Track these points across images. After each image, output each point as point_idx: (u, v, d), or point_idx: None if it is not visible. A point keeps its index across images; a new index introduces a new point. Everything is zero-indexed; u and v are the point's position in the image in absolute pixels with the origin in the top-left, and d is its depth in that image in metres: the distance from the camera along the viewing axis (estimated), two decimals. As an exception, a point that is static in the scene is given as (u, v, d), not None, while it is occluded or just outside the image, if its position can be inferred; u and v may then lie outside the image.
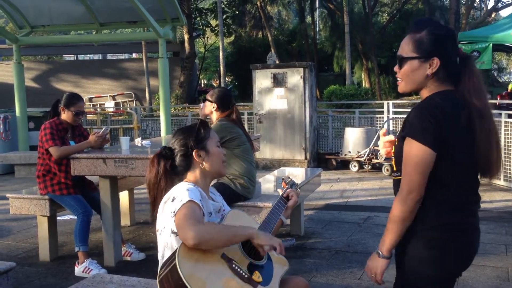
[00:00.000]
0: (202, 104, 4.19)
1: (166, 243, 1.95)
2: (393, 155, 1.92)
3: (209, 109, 4.04)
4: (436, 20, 1.97)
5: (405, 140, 1.77)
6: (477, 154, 1.79)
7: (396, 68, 1.89)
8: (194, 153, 2.10)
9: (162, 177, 2.07)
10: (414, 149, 1.73)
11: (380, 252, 1.84)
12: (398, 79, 1.90)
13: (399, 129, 8.22)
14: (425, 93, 1.86)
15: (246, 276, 1.83)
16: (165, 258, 1.93)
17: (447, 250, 1.79)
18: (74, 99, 4.21)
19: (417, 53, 1.81)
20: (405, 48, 1.84)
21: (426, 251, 1.79)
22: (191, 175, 2.11)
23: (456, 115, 1.76)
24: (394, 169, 1.91)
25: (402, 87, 1.89)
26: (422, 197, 1.76)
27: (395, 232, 1.80)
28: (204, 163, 2.11)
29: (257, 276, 1.86)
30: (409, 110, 1.86)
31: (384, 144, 2.10)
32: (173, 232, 1.91)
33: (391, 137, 2.10)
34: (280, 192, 2.32)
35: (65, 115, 4.20)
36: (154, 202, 2.07)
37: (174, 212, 1.87)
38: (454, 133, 1.75)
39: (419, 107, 1.79)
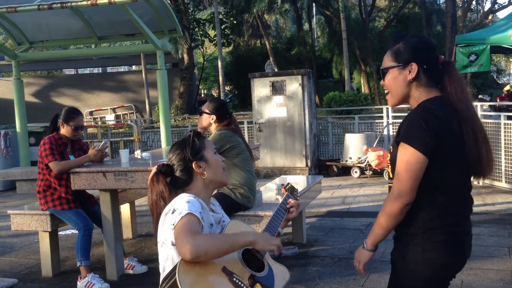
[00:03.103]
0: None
1: (167, 255, 1.94)
2: (389, 162, 1.95)
3: (208, 121, 4.04)
4: (412, 33, 2.09)
5: (399, 145, 1.82)
6: (469, 157, 1.85)
7: (382, 82, 2.00)
8: (193, 165, 2.08)
9: (164, 195, 2.04)
10: (407, 154, 1.79)
11: (364, 244, 1.96)
12: (385, 92, 2.01)
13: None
14: (413, 101, 1.93)
15: None
16: (166, 271, 1.92)
17: (440, 253, 1.83)
18: (73, 114, 4.23)
19: (396, 62, 1.92)
20: (386, 60, 1.97)
21: (420, 254, 1.84)
22: (193, 187, 2.09)
23: (449, 120, 1.81)
24: (390, 176, 1.93)
25: (389, 99, 2.00)
26: (411, 202, 1.81)
27: (380, 227, 1.89)
28: (205, 173, 2.09)
29: None
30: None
31: (374, 157, 2.18)
32: (173, 244, 1.89)
33: (380, 152, 2.18)
34: (280, 198, 2.31)
35: (64, 130, 4.22)
36: (158, 221, 2.04)
37: (173, 224, 1.85)
38: (447, 138, 1.80)
39: (412, 113, 1.85)
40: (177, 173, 2.10)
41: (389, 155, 1.97)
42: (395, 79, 1.93)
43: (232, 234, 1.91)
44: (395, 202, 1.81)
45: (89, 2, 7.22)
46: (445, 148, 1.79)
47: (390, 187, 1.95)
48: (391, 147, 1.96)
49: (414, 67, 1.88)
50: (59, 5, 7.36)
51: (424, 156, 1.77)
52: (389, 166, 1.95)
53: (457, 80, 1.88)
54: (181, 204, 1.90)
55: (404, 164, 1.79)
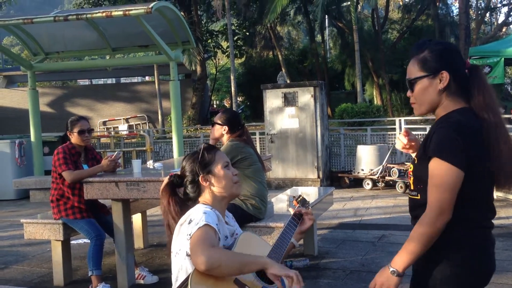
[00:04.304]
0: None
1: (181, 265, 1.94)
2: (411, 174, 1.90)
3: (220, 132, 4.05)
4: (434, 39, 2.01)
5: (432, 161, 1.75)
6: (498, 167, 1.78)
7: (409, 93, 1.91)
8: (200, 178, 2.09)
9: (174, 205, 2.07)
10: (443, 170, 1.71)
11: (395, 270, 1.77)
12: (412, 103, 1.91)
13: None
14: (441, 111, 1.86)
15: None
16: (179, 281, 1.92)
17: (470, 269, 1.78)
18: (75, 121, 4.32)
19: (425, 72, 1.83)
20: (412, 70, 1.87)
21: (448, 270, 1.78)
22: (205, 199, 2.10)
23: (479, 131, 1.76)
24: (412, 187, 1.89)
25: (417, 109, 1.90)
26: (450, 218, 1.73)
27: (416, 252, 1.75)
28: (212, 187, 2.09)
29: None
30: (423, 126, 1.87)
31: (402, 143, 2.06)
32: (187, 254, 1.89)
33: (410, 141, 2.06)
34: (292, 211, 2.30)
35: (73, 138, 4.27)
36: (169, 227, 2.08)
37: (190, 235, 1.85)
38: (478, 150, 1.74)
39: (443, 126, 1.77)
40: (187, 185, 2.12)
41: (411, 166, 1.91)
42: (425, 89, 1.84)
43: (248, 255, 1.88)
44: (436, 221, 1.72)
45: (104, 14, 7.33)
46: (477, 161, 1.74)
47: (410, 199, 1.90)
48: (414, 158, 1.90)
49: (445, 75, 1.80)
50: (74, 16, 7.48)
51: (461, 171, 1.70)
52: (411, 178, 1.89)
53: (486, 85, 1.81)
54: (198, 215, 1.91)
55: (441, 180, 1.72)
